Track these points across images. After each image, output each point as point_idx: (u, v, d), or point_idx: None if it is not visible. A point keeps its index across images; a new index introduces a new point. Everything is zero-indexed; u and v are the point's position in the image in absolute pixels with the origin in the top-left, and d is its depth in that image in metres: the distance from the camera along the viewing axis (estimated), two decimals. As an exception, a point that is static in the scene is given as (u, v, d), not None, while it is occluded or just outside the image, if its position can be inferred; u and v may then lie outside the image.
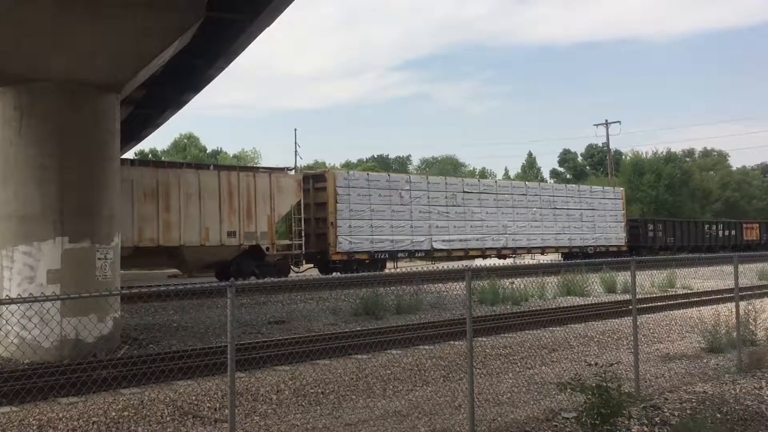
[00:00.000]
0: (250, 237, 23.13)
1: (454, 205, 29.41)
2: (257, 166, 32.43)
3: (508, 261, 32.12)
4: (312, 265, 26.46)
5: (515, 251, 32.17)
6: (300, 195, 24.87)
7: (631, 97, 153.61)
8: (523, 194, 32.69)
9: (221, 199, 22.51)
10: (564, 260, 33.22)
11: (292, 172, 27.34)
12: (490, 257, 31.49)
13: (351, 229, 25.90)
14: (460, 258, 30.35)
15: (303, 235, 25.10)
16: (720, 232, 44.59)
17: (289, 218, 25.31)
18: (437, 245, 28.82)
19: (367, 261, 26.56)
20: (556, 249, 34.33)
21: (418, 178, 30.50)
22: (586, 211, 35.39)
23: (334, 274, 25.17)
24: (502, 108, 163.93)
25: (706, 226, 44.35)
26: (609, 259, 30.04)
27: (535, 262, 33.05)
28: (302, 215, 25.27)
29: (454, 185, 30.03)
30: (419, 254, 29.01)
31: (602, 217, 36.44)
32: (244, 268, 22.78)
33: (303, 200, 25.13)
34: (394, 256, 28.01)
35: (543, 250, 33.58)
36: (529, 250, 32.91)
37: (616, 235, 37.07)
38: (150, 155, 62.28)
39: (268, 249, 23.60)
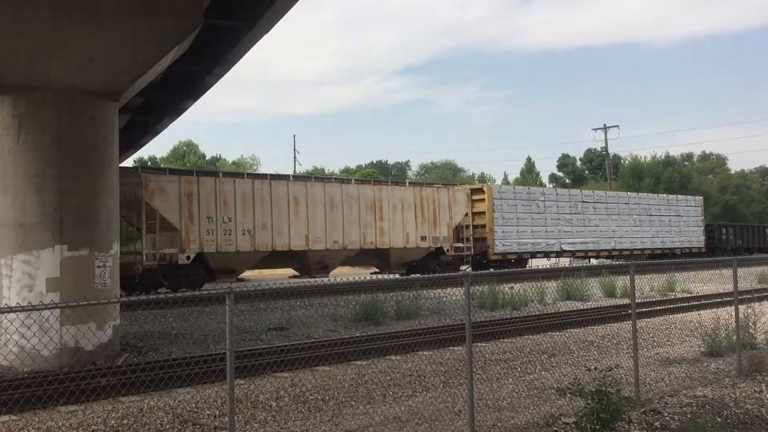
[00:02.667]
0: (436, 240, 28.22)
1: (576, 213, 34.24)
2: (431, 182, 37.97)
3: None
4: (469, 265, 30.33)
5: (621, 252, 36.55)
6: (469, 206, 30.17)
7: (630, 101, 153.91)
8: (626, 203, 37.53)
9: (416, 210, 27.60)
10: (653, 260, 36.55)
11: (461, 187, 32.75)
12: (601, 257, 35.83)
13: (503, 233, 30.78)
14: (580, 258, 35.15)
15: (472, 239, 29.87)
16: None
17: (459, 225, 29.89)
18: (565, 247, 33.58)
19: (513, 260, 31.23)
20: (651, 250, 38.52)
21: (549, 190, 36.45)
22: (673, 217, 40.37)
23: (463, 269, 29.20)
24: (501, 113, 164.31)
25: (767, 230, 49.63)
26: (607, 263, 30.81)
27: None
28: (471, 222, 30.14)
29: (576, 196, 35.18)
30: (552, 255, 33.67)
31: (686, 222, 41.31)
32: (429, 266, 27.87)
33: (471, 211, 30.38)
34: (534, 255, 32.70)
35: (642, 251, 37.89)
36: (632, 252, 37.23)
37: (696, 238, 41.86)
38: (149, 162, 62.48)
39: (447, 250, 28.65)
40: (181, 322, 15.98)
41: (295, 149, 69.11)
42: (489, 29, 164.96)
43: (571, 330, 13.66)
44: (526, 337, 13.17)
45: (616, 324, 14.42)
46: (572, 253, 34.18)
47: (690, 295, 20.94)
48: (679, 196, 43.59)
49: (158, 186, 21.38)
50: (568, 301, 19.43)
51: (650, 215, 38.53)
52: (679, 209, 40.94)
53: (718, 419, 7.36)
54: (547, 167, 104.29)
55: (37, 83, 11.03)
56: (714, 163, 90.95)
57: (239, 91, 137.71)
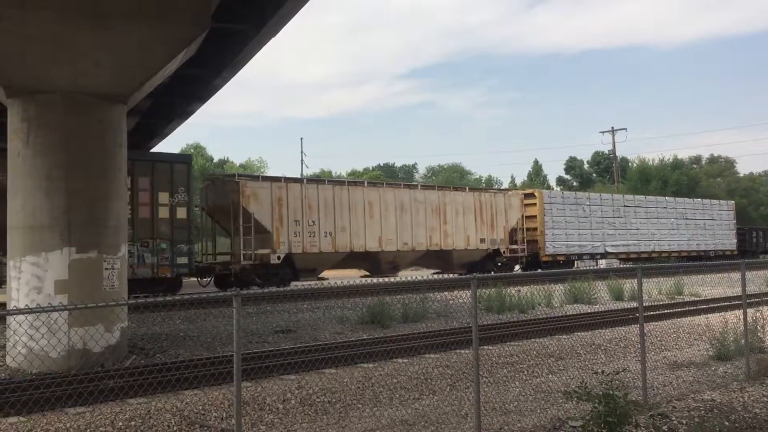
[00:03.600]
0: (493, 242, 30.11)
1: (618, 217, 36.12)
2: (489, 188, 40.47)
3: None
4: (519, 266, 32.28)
5: (660, 254, 38.53)
6: (523, 210, 31.82)
7: (638, 104, 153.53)
8: (664, 207, 39.39)
9: (475, 214, 29.41)
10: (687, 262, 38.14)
11: (514, 192, 34.27)
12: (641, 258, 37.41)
13: (553, 236, 32.61)
14: (622, 260, 36.70)
15: (525, 241, 31.63)
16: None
17: (514, 228, 31.45)
18: (609, 249, 35.40)
19: (562, 261, 32.92)
20: (688, 252, 40.23)
21: (594, 195, 37.38)
22: (707, 221, 42.22)
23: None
24: (507, 116, 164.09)
25: None
26: (615, 267, 30.92)
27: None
28: (524, 226, 31.83)
29: (618, 200, 36.94)
30: (597, 256, 35.31)
31: (719, 225, 43.24)
32: (487, 266, 29.69)
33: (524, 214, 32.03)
34: (580, 257, 34.34)
35: (678, 253, 39.84)
36: (669, 254, 39.27)
37: (729, 241, 43.76)
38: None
39: (503, 252, 30.44)
40: (188, 325, 16.02)
41: (302, 152, 69.31)
42: (495, 32, 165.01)
43: (579, 333, 13.62)
44: (533, 340, 13.14)
45: (623, 327, 14.39)
46: (615, 255, 35.92)
47: (698, 299, 20.88)
48: (713, 201, 45.49)
49: (253, 191, 23.21)
50: (575, 305, 19.37)
51: (686, 219, 40.48)
52: (713, 213, 42.87)
53: (726, 423, 7.33)
54: (554, 170, 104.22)
55: (46, 86, 11.09)
56: (722, 166, 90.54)
57: (246, 94, 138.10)
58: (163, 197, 20.81)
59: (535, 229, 32.15)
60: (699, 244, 41.09)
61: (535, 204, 32.43)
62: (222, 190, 23.80)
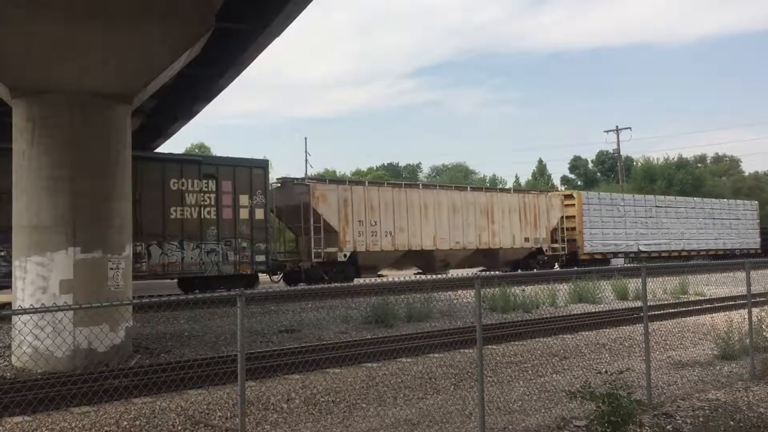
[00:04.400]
0: (536, 241, 31.72)
1: (650, 217, 37.85)
2: (531, 189, 41.65)
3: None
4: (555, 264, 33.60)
5: (689, 252, 40.01)
6: (563, 210, 33.45)
7: (642, 103, 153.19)
8: (692, 207, 41.01)
9: (520, 214, 31.06)
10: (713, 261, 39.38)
11: (555, 193, 36.09)
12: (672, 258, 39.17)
13: (591, 235, 34.40)
14: (653, 259, 37.89)
15: (566, 240, 33.35)
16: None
17: (555, 227, 33.15)
18: (642, 248, 37.02)
19: (599, 258, 34.67)
20: (715, 251, 41.73)
21: (628, 196, 39.35)
22: (733, 220, 43.98)
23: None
24: (512, 114, 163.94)
25: None
26: (620, 266, 31.11)
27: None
28: (565, 225, 33.50)
29: (650, 201, 38.62)
30: (631, 255, 36.77)
31: (744, 225, 45.03)
32: (530, 264, 31.48)
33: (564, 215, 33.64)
34: (616, 255, 35.84)
35: (707, 251, 41.24)
36: (698, 252, 40.64)
37: (753, 240, 45.70)
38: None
39: (546, 250, 32.16)
40: (193, 324, 16.05)
41: (306, 151, 69.36)
42: (501, 31, 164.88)
43: (583, 333, 13.60)
44: (537, 339, 13.14)
45: (628, 327, 14.37)
46: (648, 254, 37.41)
47: (703, 298, 20.84)
48: (737, 201, 47.36)
49: (322, 194, 24.98)
50: (579, 304, 19.36)
51: (713, 219, 42.12)
52: (738, 213, 44.66)
53: (731, 423, 7.31)
54: (558, 169, 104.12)
55: (51, 86, 11.12)
56: (727, 165, 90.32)
57: (250, 93, 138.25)
58: (244, 199, 22.27)
59: (574, 228, 33.95)
60: (725, 242, 42.57)
61: (574, 205, 34.31)
62: (292, 192, 25.44)
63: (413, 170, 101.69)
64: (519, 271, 30.34)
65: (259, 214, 22.53)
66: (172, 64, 11.95)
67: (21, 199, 11.28)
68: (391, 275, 28.02)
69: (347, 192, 25.58)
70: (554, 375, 10.11)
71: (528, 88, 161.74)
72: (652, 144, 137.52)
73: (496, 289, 18.85)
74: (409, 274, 28.73)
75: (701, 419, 7.47)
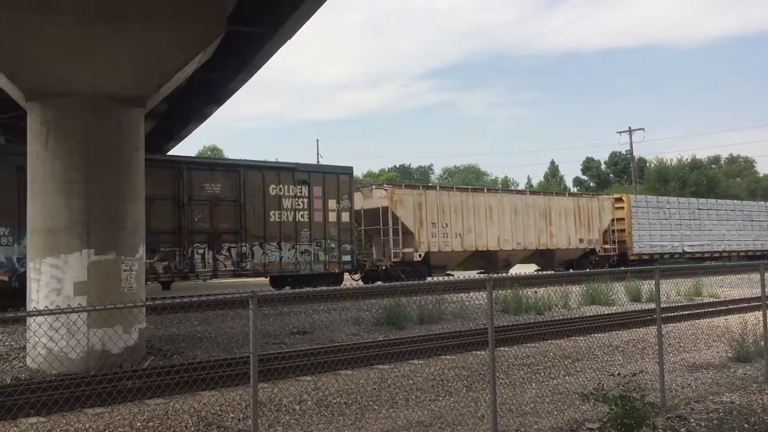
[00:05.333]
0: (590, 242, 33.37)
1: (694, 219, 39.23)
2: (584, 193, 43.68)
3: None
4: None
5: (730, 253, 41.26)
6: (614, 213, 34.88)
7: (656, 104, 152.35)
8: (732, 210, 42.31)
9: (575, 217, 32.72)
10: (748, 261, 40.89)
11: (606, 196, 37.31)
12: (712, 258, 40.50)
13: (639, 237, 35.77)
14: (698, 260, 39.44)
15: (617, 241, 34.82)
16: None
17: (605, 229, 34.46)
18: (686, 248, 38.44)
19: (647, 258, 35.90)
20: (753, 251, 42.71)
21: (673, 199, 40.56)
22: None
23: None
24: (525, 116, 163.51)
25: None
26: (633, 268, 31.09)
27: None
28: (615, 227, 34.90)
29: (693, 204, 40.20)
30: (676, 255, 38.26)
31: None
32: (583, 264, 32.97)
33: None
34: (662, 256, 37.08)
35: (746, 252, 42.26)
36: (738, 253, 41.77)
37: None
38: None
39: (598, 251, 33.71)
40: (205, 326, 16.11)
41: (318, 153, 69.46)
42: (514, 32, 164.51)
43: (596, 335, 13.55)
44: (549, 341, 13.09)
45: (641, 329, 14.30)
46: (692, 254, 38.93)
47: (717, 300, 20.70)
48: None
49: (399, 198, 26.81)
50: (592, 306, 19.28)
51: (752, 221, 43.30)
52: None
53: (746, 426, 7.26)
54: (571, 171, 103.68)
55: (65, 90, 11.21)
56: (742, 166, 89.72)
57: (263, 95, 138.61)
58: (332, 203, 23.93)
59: (623, 230, 35.39)
60: (763, 243, 43.89)
61: (623, 207, 35.74)
62: (371, 196, 27.40)
63: (425, 172, 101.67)
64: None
65: (345, 217, 24.20)
66: (184, 67, 12.01)
67: (35, 201, 11.37)
68: (457, 274, 29.55)
69: (421, 196, 27.35)
70: (567, 377, 10.08)
71: (540, 89, 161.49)
72: (666, 145, 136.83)
73: (509, 291, 18.80)
74: (472, 274, 30.00)
75: (715, 422, 7.42)
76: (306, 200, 23.25)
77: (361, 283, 26.68)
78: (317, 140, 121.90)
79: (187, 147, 78.57)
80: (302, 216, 23.14)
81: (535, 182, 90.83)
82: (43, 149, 11.27)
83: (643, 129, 61.74)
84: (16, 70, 11.00)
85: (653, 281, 8.56)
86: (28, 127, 11.58)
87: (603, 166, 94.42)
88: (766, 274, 10.07)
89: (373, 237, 27.76)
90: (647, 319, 14.89)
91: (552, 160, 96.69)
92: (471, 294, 20.77)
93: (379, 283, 26.09)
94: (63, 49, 11.07)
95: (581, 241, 33.06)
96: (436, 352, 11.60)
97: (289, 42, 13.97)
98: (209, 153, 70.16)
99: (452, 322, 16.28)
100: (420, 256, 26.79)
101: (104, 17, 11.21)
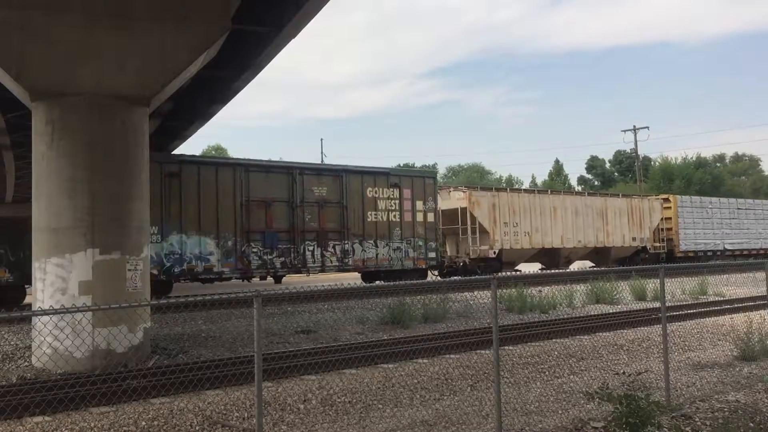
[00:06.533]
0: (641, 240, 35.64)
1: (734, 218, 41.56)
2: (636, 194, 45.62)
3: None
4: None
5: (767, 251, 43.24)
6: (662, 213, 37.28)
7: (660, 102, 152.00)
8: (767, 210, 44.79)
9: (628, 216, 35.01)
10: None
11: (655, 197, 39.77)
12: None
13: (685, 235, 38.16)
14: (736, 257, 40.97)
15: (665, 239, 37.13)
16: None
17: (655, 228, 36.78)
18: (727, 246, 40.54)
19: (692, 255, 37.99)
20: None
21: (714, 199, 42.73)
22: None
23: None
24: (530, 114, 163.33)
25: None
26: (637, 267, 31.28)
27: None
28: (664, 226, 37.36)
29: (732, 204, 42.59)
30: (718, 253, 39.91)
31: None
32: (635, 260, 35.14)
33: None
34: (705, 254, 38.97)
35: None
36: None
37: None
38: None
39: (649, 248, 35.90)
40: (210, 325, 16.13)
41: (322, 153, 69.50)
42: (519, 30, 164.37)
43: (600, 333, 13.53)
44: (554, 340, 13.07)
45: (646, 328, 14.27)
46: (732, 252, 40.76)
47: (722, 299, 20.64)
48: None
49: (477, 199, 29.29)
50: (597, 305, 19.24)
51: None
52: None
53: (751, 425, 7.24)
54: (575, 169, 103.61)
55: (70, 89, 11.23)
56: (746, 165, 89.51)
57: (267, 95, 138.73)
58: (419, 205, 26.21)
59: (671, 229, 37.74)
60: None
61: (670, 207, 37.99)
62: (449, 198, 29.74)
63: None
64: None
65: (430, 217, 26.45)
66: (189, 66, 12.02)
67: (40, 201, 11.39)
68: (524, 269, 31.77)
69: (495, 198, 29.88)
70: (571, 376, 10.06)
71: (545, 88, 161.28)
72: (670, 143, 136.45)
73: (513, 290, 18.78)
74: (535, 269, 33.07)
75: (720, 421, 7.40)
76: (397, 202, 25.47)
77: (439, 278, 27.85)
78: (321, 139, 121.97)
79: (192, 146, 78.73)
80: (394, 216, 25.39)
81: (539, 181, 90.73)
82: (48, 148, 11.29)
83: (647, 127, 61.28)
84: (22, 70, 11.02)
85: (658, 280, 8.54)
86: (33, 127, 11.60)
87: (608, 165, 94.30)
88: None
89: (448, 235, 29.82)
90: (652, 318, 14.85)
91: (557, 158, 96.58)
92: (475, 293, 20.76)
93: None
94: (70, 48, 11.09)
95: (634, 239, 35.25)
96: (440, 351, 11.59)
97: (293, 41, 13.98)
98: (213, 152, 70.24)
99: (456, 321, 16.28)
100: (494, 252, 29.08)
101: (111, 16, 11.24)
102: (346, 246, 24.01)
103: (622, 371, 7.96)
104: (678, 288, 21.02)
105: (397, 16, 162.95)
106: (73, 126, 11.27)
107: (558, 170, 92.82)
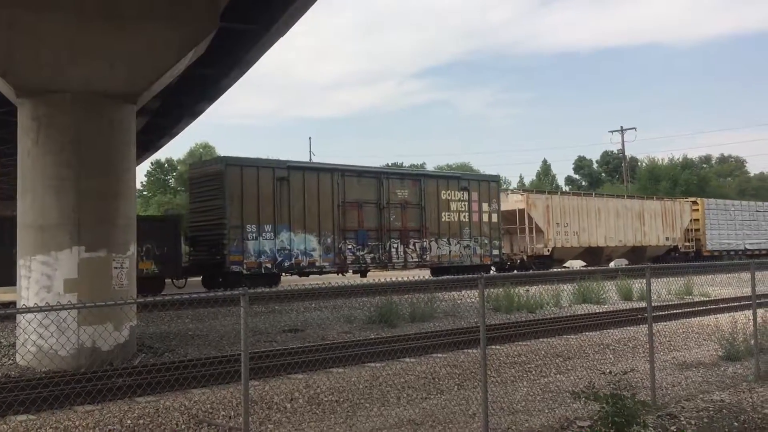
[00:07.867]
0: (673, 240, 38.65)
1: (753, 220, 44.36)
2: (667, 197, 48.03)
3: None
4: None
5: None
6: (692, 214, 40.09)
7: (648, 103, 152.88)
8: None
9: (662, 218, 38.04)
10: None
11: (684, 200, 42.52)
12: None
13: (711, 236, 40.75)
14: (757, 256, 42.81)
15: (694, 239, 40.18)
16: None
17: (685, 229, 39.51)
18: (747, 246, 43.14)
19: (717, 255, 40.61)
20: None
21: (735, 202, 45.85)
22: None
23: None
24: (520, 115, 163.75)
25: None
26: (624, 267, 31.64)
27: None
28: (692, 227, 40.18)
29: (752, 207, 45.48)
30: (740, 252, 42.45)
31: None
32: (667, 259, 37.99)
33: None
34: (728, 253, 41.63)
35: None
36: None
37: None
38: (166, 164, 62.95)
39: (680, 248, 38.79)
40: (197, 324, 16.07)
41: (311, 152, 69.33)
42: (510, 31, 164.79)
43: (587, 333, 13.59)
44: (541, 340, 13.12)
45: (632, 327, 14.34)
46: (752, 251, 43.06)
47: (708, 299, 20.78)
48: None
49: (533, 201, 32.20)
50: (584, 305, 19.32)
51: None
52: None
53: (735, 424, 7.29)
54: (563, 170, 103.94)
55: (57, 86, 11.15)
56: (732, 166, 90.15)
57: (257, 93, 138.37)
58: (485, 206, 29.01)
59: (698, 230, 40.41)
60: None
61: (698, 209, 40.56)
62: (507, 200, 32.27)
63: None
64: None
65: (494, 217, 29.28)
66: (177, 63, 11.97)
67: (26, 198, 11.31)
68: (571, 266, 34.99)
69: (548, 200, 32.72)
70: (558, 375, 10.10)
71: (535, 89, 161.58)
72: (657, 144, 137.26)
73: (500, 290, 18.82)
74: (580, 265, 35.60)
75: (705, 420, 7.45)
76: (466, 203, 28.19)
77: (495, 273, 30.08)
78: (309, 138, 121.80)
79: (180, 144, 78.42)
80: (464, 216, 28.13)
81: (527, 181, 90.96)
82: (34, 145, 11.21)
83: (635, 128, 61.77)
84: (9, 67, 10.93)
85: (644, 280, 8.59)
86: (19, 123, 11.52)
87: (595, 166, 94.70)
88: (755, 273, 10.12)
89: (504, 235, 31.57)
90: (638, 318, 14.92)
91: (544, 159, 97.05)
92: (463, 292, 20.79)
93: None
94: (57, 46, 11.01)
95: (667, 239, 38.16)
96: (427, 351, 11.60)
97: (282, 39, 13.96)
98: (201, 150, 69.82)
99: (444, 320, 16.29)
100: (548, 250, 31.81)
101: (99, 15, 11.18)
102: (425, 243, 26.74)
103: (608, 371, 8.00)
104: (664, 288, 21.14)
105: (386, 16, 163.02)
106: (60, 123, 11.19)
107: (546, 170, 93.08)
